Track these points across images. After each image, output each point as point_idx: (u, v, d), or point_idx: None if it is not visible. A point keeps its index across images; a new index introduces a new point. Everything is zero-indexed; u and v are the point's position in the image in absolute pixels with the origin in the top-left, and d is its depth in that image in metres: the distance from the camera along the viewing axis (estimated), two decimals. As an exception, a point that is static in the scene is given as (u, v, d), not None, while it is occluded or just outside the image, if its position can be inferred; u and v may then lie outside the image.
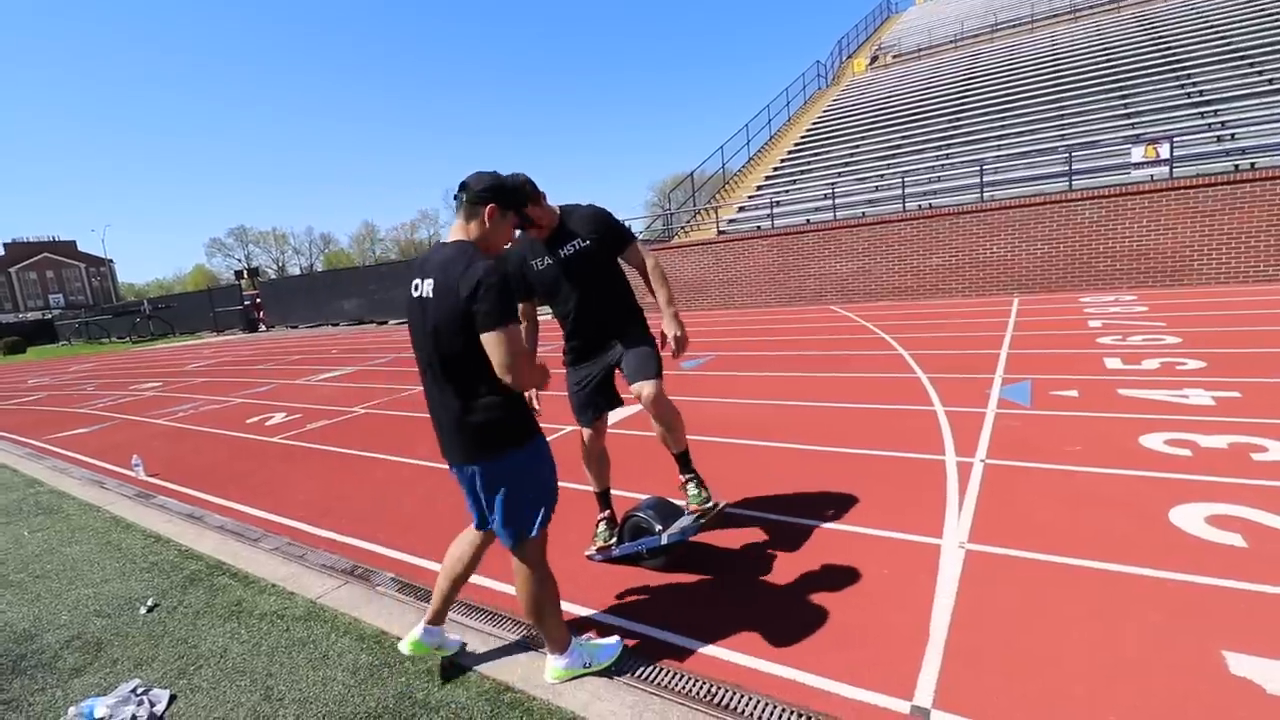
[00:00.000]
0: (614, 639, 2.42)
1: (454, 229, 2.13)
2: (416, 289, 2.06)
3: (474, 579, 3.04)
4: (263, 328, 32.07)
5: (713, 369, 7.88)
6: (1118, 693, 1.95)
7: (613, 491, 3.24)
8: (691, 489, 2.98)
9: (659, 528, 2.86)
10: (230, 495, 4.76)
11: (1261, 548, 2.66)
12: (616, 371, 2.96)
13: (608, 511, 3.17)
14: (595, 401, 2.97)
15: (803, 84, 27.28)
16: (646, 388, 2.81)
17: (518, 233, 2.65)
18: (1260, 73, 14.76)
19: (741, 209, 19.16)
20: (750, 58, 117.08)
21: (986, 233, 12.95)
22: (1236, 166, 11.75)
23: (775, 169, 21.13)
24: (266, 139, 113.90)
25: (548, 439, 2.26)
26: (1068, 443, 4.06)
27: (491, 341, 1.93)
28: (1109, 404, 4.79)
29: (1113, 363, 6.04)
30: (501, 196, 2.10)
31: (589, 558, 3.14)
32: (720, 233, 17.81)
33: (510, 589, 2.66)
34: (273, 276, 61.47)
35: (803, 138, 22.73)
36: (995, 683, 2.04)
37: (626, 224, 2.99)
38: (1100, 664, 2.08)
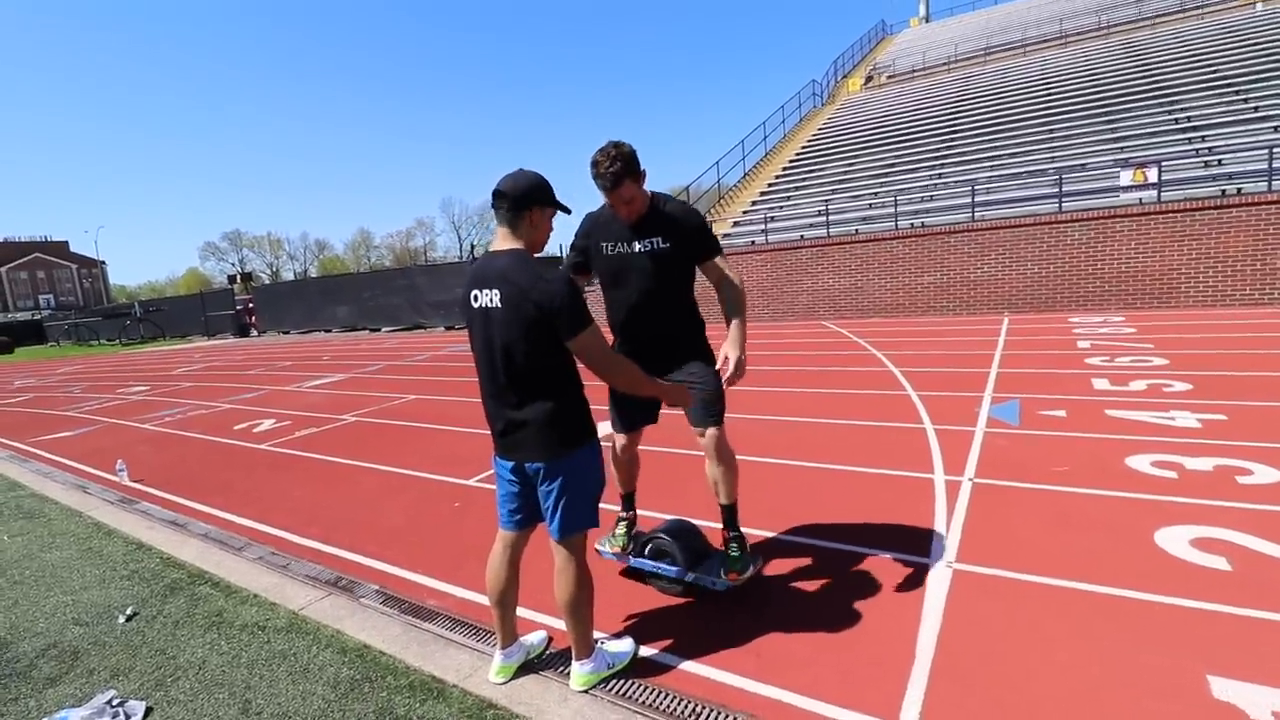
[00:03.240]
0: (627, 640, 2.47)
1: (500, 236, 2.17)
2: (476, 299, 2.13)
3: (459, 592, 3.03)
4: (254, 333, 31.88)
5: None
6: (1100, 715, 1.95)
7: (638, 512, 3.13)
8: (734, 550, 2.75)
9: (686, 568, 2.78)
10: (215, 502, 4.70)
11: (1246, 571, 2.67)
12: None
13: (630, 513, 3.05)
14: (635, 414, 2.82)
15: (798, 102, 27.58)
16: (711, 433, 2.62)
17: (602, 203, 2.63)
18: (1245, 100, 15.05)
19: (736, 224, 19.28)
20: (748, 74, 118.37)
21: (978, 252, 13.08)
22: (1223, 191, 11.93)
23: (770, 185, 21.29)
24: (264, 143, 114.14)
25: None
26: (1055, 463, 4.07)
27: (583, 345, 2.07)
28: (1097, 424, 4.82)
29: (1101, 383, 6.09)
30: (540, 196, 2.13)
31: (598, 551, 3.05)
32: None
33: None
34: (266, 281, 61.28)
35: (798, 154, 22.94)
36: (980, 704, 2.04)
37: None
38: (1084, 686, 2.08)
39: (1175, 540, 2.96)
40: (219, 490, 5.03)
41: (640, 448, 2.97)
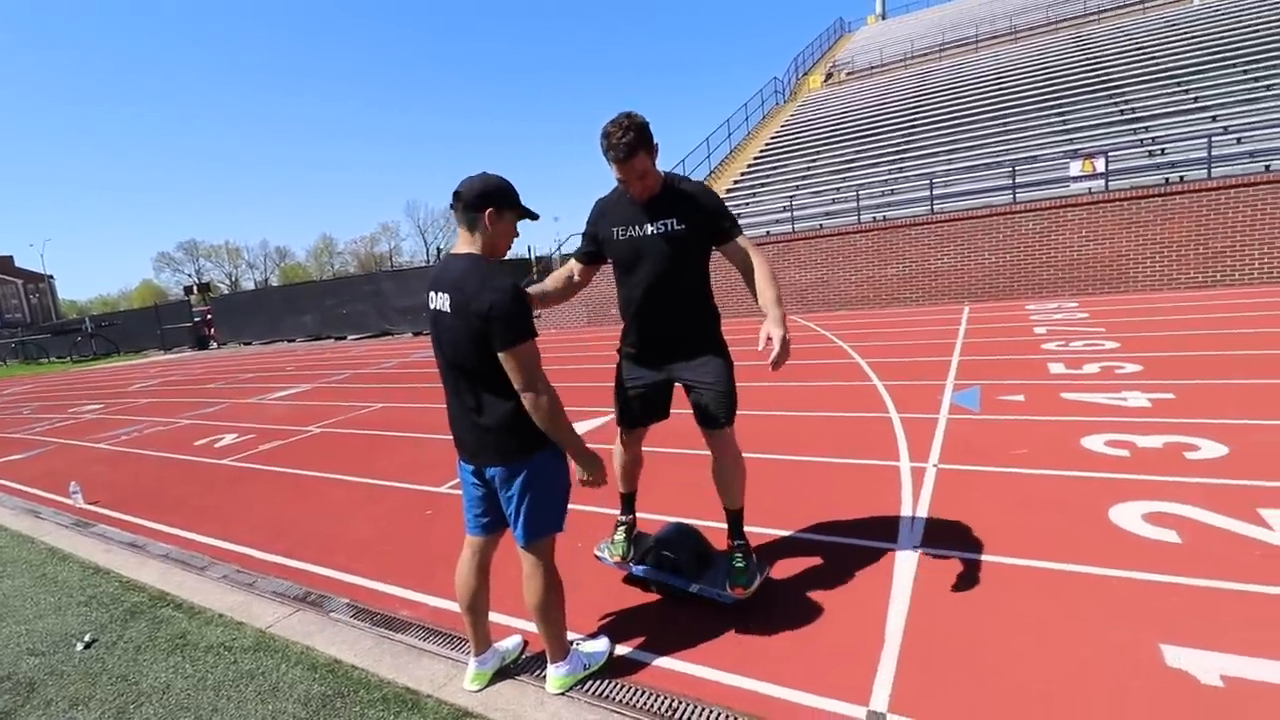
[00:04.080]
0: (603, 640, 2.46)
1: (460, 240, 2.15)
2: (432, 302, 2.12)
3: (432, 601, 3.00)
4: (214, 345, 31.01)
5: (675, 380, 7.91)
6: (1063, 688, 2.01)
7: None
8: (738, 561, 2.62)
9: (691, 579, 2.70)
10: (175, 522, 4.57)
11: (1195, 543, 2.79)
12: (676, 386, 2.67)
13: (630, 516, 2.90)
14: (643, 412, 2.68)
15: (761, 100, 27.83)
16: (719, 436, 2.55)
17: (616, 186, 2.48)
18: (1186, 91, 15.66)
19: (702, 221, 19.34)
20: (710, 71, 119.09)
21: (938, 244, 13.38)
22: (1167, 180, 12.40)
23: (736, 181, 21.45)
24: (219, 151, 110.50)
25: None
26: (1015, 446, 4.20)
27: (508, 362, 2.00)
28: (1053, 407, 4.98)
29: (1056, 367, 6.29)
30: (497, 198, 2.09)
31: (597, 557, 2.99)
32: (682, 245, 17.95)
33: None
34: (225, 291, 59.58)
35: (762, 151, 23.16)
36: (948, 684, 2.09)
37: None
38: (1046, 661, 2.15)
39: (1128, 516, 3.07)
40: (179, 508, 4.89)
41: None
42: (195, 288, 40.48)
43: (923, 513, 3.38)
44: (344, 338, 24.91)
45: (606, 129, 2.31)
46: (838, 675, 2.19)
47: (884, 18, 42.35)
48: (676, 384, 2.65)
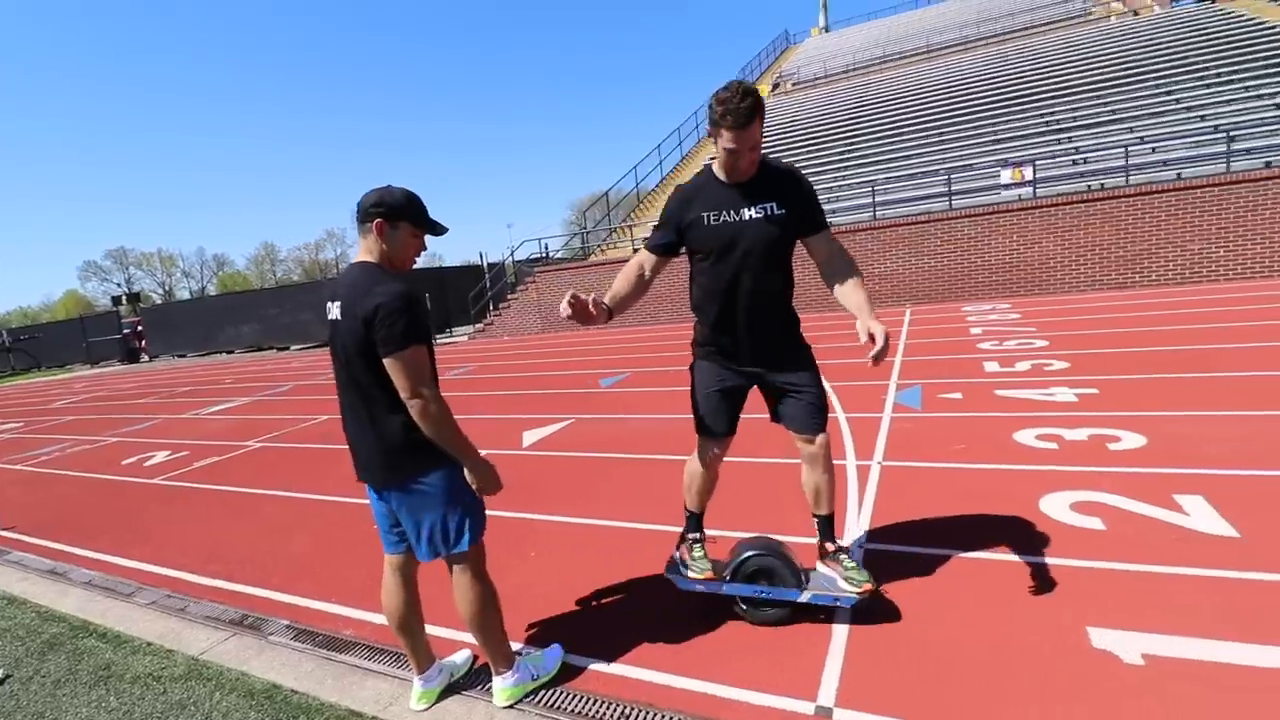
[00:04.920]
0: (554, 648, 2.42)
1: (359, 250, 2.11)
2: (330, 311, 2.08)
3: (378, 619, 2.90)
4: (145, 358, 29.46)
5: (632, 385, 7.94)
6: (998, 673, 2.10)
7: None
8: (849, 563, 2.46)
9: (795, 588, 2.47)
10: (100, 546, 4.30)
11: (1117, 529, 2.95)
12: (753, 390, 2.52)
13: (700, 534, 2.68)
14: (731, 419, 2.51)
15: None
16: (820, 439, 2.42)
17: (709, 163, 2.30)
18: (1105, 104, 16.65)
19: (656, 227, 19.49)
20: (661, 79, 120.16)
21: (880, 249, 13.82)
22: (1089, 187, 13.15)
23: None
24: (149, 157, 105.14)
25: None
26: (953, 442, 4.36)
27: (392, 367, 1.93)
28: (988, 404, 5.20)
29: (991, 366, 6.57)
30: (387, 210, 2.03)
31: (676, 582, 2.62)
32: (635, 250, 18.03)
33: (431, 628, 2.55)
34: (158, 301, 56.75)
35: (712, 158, 23.47)
36: (892, 675, 2.15)
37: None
38: (983, 647, 2.23)
39: (1057, 506, 3.23)
40: (104, 532, 4.61)
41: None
42: (125, 298, 38.36)
43: (868, 509, 3.47)
44: (287, 348, 24.04)
45: (720, 95, 2.12)
46: (787, 673, 2.22)
47: (827, 30, 43.61)
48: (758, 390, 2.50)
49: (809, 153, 20.75)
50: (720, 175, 2.33)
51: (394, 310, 1.91)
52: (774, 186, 2.29)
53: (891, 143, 19.21)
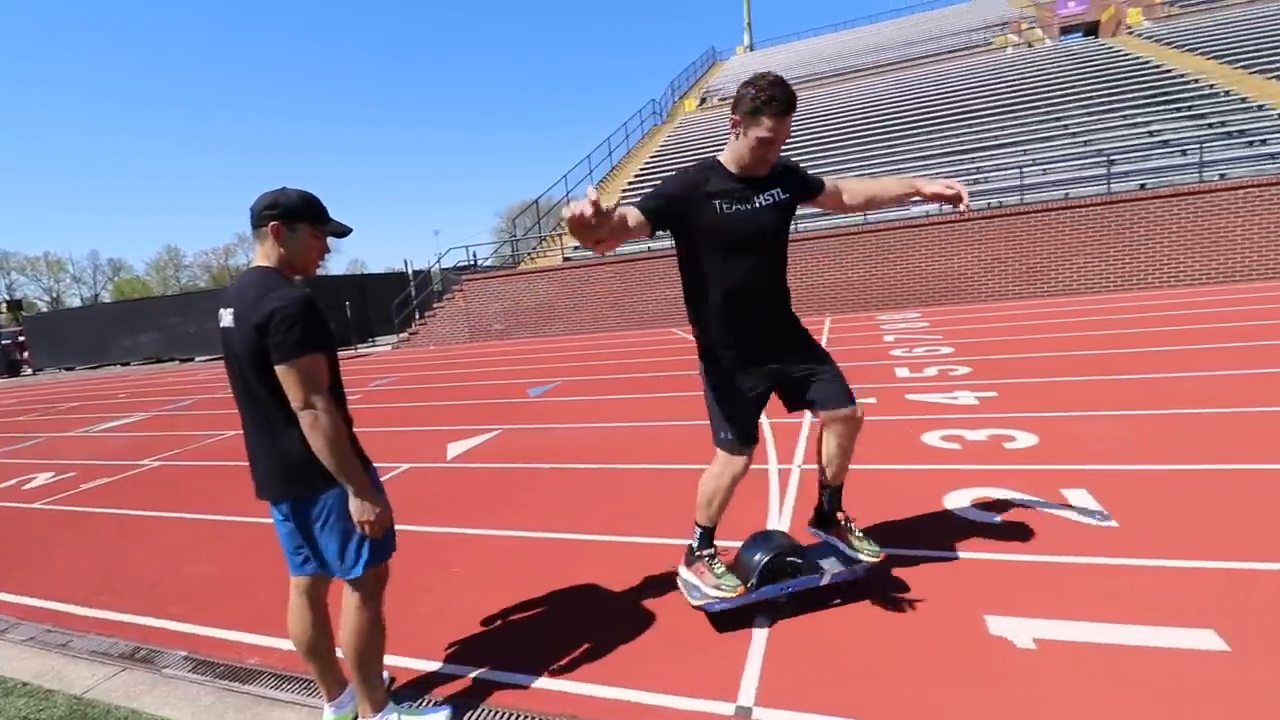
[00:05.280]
0: (443, 706, 2.25)
1: (256, 255, 2.01)
2: (221, 319, 1.98)
3: (284, 644, 2.75)
4: (28, 371, 26.85)
5: (561, 394, 7.89)
6: (904, 663, 2.21)
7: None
8: (856, 532, 2.59)
9: (819, 571, 2.54)
10: (-34, 580, 3.88)
11: (1013, 523, 3.17)
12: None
13: (714, 548, 2.60)
14: (755, 417, 2.45)
15: (640, 119, 28.63)
16: (855, 410, 2.43)
17: (735, 148, 2.25)
18: (1003, 128, 17.97)
19: (585, 236, 19.50)
20: (594, 88, 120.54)
21: (802, 260, 14.35)
22: (989, 205, 14.14)
23: (618, 200, 21.80)
24: (35, 155, 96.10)
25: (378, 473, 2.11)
26: (867, 444, 4.56)
27: (284, 375, 1.84)
28: (899, 408, 5.49)
29: (902, 371, 6.95)
30: (284, 212, 1.93)
31: (704, 607, 2.50)
32: (565, 259, 17.99)
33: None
34: (44, 309, 51.89)
35: (641, 170, 23.75)
36: (809, 672, 2.23)
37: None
38: (891, 639, 2.35)
39: (960, 502, 3.45)
40: (-28, 565, 4.16)
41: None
42: (5, 305, 34.88)
43: (789, 512, 3.58)
44: (191, 359, 22.50)
45: (760, 83, 2.11)
46: (709, 676, 2.26)
47: (752, 49, 45.05)
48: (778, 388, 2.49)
49: (735, 166, 21.32)
50: (731, 168, 2.30)
51: (290, 316, 1.81)
52: (776, 177, 2.33)
53: (813, 159, 20.01)
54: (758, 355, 2.40)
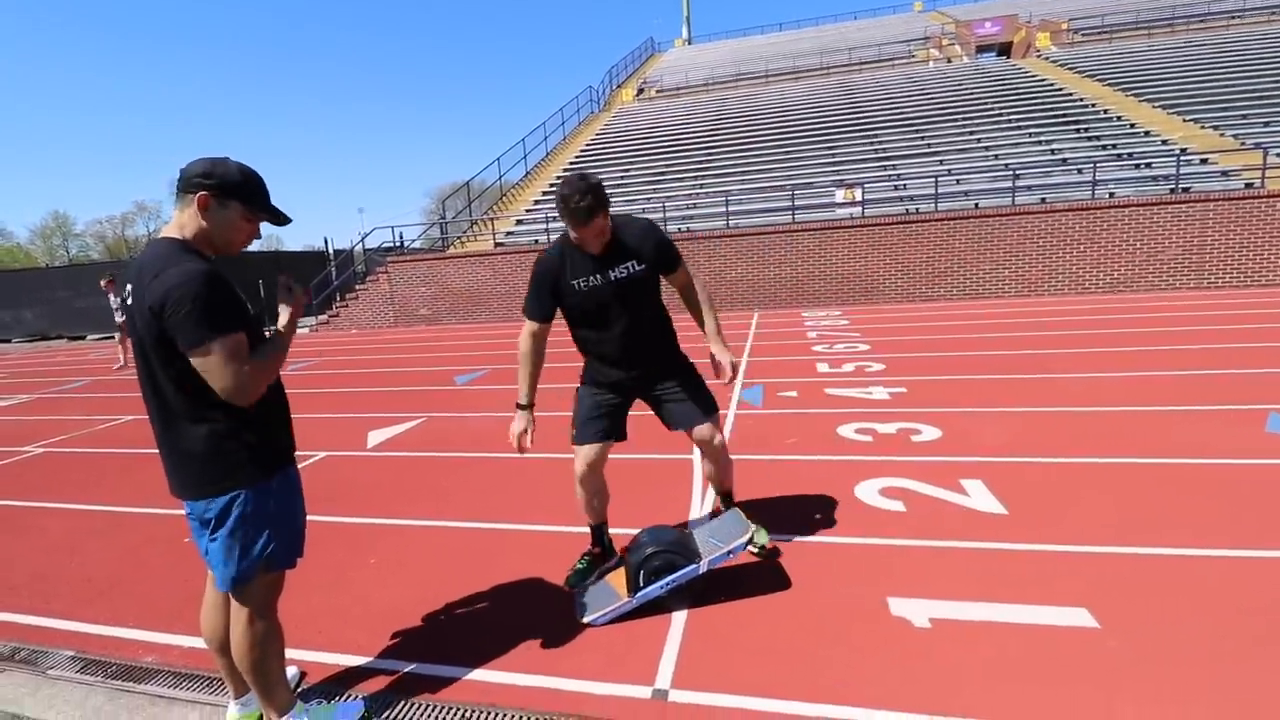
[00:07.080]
0: (356, 702, 2.18)
1: (169, 224, 1.79)
2: (126, 296, 1.75)
3: (184, 641, 2.63)
4: (-124, 348, 23.88)
5: (489, 383, 7.77)
6: (813, 643, 2.33)
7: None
8: (733, 511, 2.89)
9: (696, 560, 2.59)
10: None
11: (916, 511, 3.39)
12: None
13: (598, 549, 2.90)
14: (612, 427, 2.77)
15: (577, 106, 28.35)
16: (714, 431, 2.76)
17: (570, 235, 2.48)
18: (922, 138, 18.92)
19: (520, 222, 19.21)
20: (532, 72, 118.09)
21: (733, 256, 14.67)
22: (907, 210, 14.89)
23: (552, 184, 21.54)
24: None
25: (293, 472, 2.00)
26: (787, 436, 4.77)
27: (199, 362, 1.64)
28: (819, 401, 5.74)
29: (822, 367, 7.26)
30: (219, 185, 1.73)
31: (591, 622, 2.55)
32: (498, 244, 17.64)
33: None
34: (-104, 279, 46.20)
35: (578, 157, 23.56)
36: (724, 654, 2.32)
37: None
38: (800, 620, 2.48)
39: (869, 491, 3.65)
40: None
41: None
42: None
43: (710, 501, 3.69)
44: (81, 338, 20.67)
45: (563, 193, 2.35)
46: (627, 662, 2.31)
47: (689, 43, 45.43)
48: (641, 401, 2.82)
49: (670, 158, 21.50)
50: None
51: (187, 295, 1.59)
52: (628, 247, 2.55)
53: (744, 157, 20.44)
54: (626, 383, 2.76)
